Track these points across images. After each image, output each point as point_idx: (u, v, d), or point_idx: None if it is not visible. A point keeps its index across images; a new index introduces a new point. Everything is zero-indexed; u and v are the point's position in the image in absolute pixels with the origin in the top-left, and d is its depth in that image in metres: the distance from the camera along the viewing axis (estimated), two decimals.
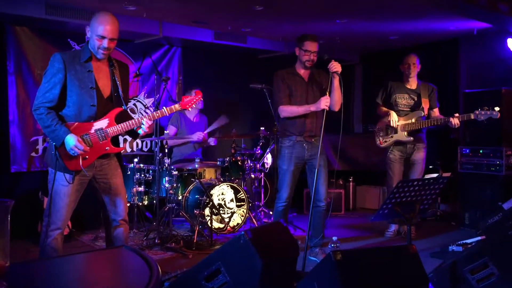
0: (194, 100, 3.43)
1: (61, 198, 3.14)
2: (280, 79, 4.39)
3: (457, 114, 4.79)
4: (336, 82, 4.19)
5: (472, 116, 4.72)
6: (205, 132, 5.79)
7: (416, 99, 5.17)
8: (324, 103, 4.09)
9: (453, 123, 4.77)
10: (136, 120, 3.23)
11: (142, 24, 5.62)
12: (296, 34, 5.23)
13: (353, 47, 7.49)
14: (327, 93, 4.13)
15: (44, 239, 3.16)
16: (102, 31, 3.06)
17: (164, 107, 3.31)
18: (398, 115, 5.14)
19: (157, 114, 3.30)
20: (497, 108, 4.66)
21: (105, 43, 3.08)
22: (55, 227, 3.16)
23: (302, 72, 4.43)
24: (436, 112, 5.18)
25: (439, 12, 5.34)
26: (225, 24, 5.97)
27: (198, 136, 5.63)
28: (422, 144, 5.23)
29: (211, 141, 5.91)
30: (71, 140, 3.04)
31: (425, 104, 5.12)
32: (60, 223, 3.16)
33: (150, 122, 3.25)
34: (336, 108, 4.29)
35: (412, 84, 5.22)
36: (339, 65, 4.12)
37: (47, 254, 3.14)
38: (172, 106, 3.34)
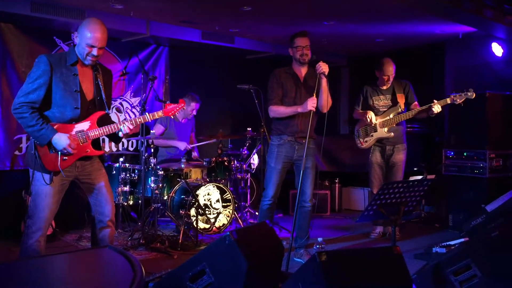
0: (177, 108, 3.51)
1: (43, 199, 3.11)
2: (276, 78, 4.35)
3: (435, 101, 4.84)
4: (323, 83, 4.17)
5: (449, 101, 4.82)
6: (195, 145, 5.88)
7: (391, 97, 5.21)
8: (310, 104, 4.07)
9: (434, 110, 4.83)
10: (117, 124, 3.25)
11: (129, 23, 5.59)
12: (283, 35, 5.24)
13: (340, 49, 7.52)
14: (314, 94, 4.13)
15: (25, 241, 3.12)
16: (92, 40, 3.07)
17: (146, 113, 3.36)
18: (377, 115, 5.18)
19: (139, 120, 3.36)
20: (471, 90, 4.79)
21: (94, 51, 3.11)
22: (37, 228, 3.11)
23: (298, 71, 4.38)
24: (416, 105, 5.19)
25: (425, 15, 5.39)
26: (212, 24, 5.96)
27: (185, 146, 5.63)
28: (401, 146, 5.24)
29: (195, 153, 5.98)
30: (62, 140, 3.05)
31: (401, 99, 5.17)
32: (42, 224, 3.12)
33: (131, 127, 3.28)
34: (325, 110, 4.27)
35: (386, 86, 5.27)
36: (327, 66, 4.09)
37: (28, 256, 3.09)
38: (155, 113, 3.41)
